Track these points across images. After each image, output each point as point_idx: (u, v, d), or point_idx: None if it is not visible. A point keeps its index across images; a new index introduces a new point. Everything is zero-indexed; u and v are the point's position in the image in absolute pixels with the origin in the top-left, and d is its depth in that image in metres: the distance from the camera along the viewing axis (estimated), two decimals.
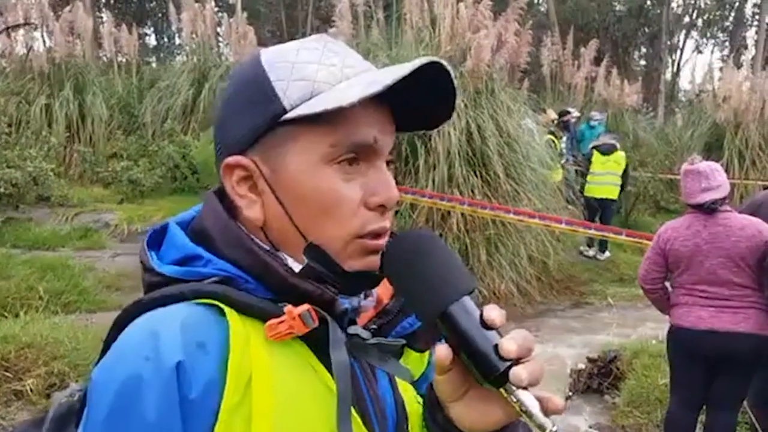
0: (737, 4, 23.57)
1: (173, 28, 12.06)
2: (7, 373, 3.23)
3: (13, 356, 3.29)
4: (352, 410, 0.63)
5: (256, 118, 0.65)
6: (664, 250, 2.92)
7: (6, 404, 3.14)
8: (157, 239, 0.68)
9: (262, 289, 0.64)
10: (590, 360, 4.47)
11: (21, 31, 8.83)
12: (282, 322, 0.61)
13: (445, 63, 0.63)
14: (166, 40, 20.92)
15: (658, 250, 2.94)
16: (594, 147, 7.94)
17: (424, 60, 0.62)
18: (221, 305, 0.61)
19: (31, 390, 3.17)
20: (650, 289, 2.99)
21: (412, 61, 0.62)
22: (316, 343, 0.63)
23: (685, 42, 23.71)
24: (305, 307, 0.62)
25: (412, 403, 0.72)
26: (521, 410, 0.56)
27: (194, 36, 9.43)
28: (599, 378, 4.34)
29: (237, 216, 0.67)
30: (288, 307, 0.62)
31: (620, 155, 7.79)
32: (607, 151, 7.74)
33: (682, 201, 3.00)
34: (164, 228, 0.68)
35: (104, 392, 0.57)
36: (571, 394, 4.29)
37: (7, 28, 8.53)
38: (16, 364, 3.26)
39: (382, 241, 0.66)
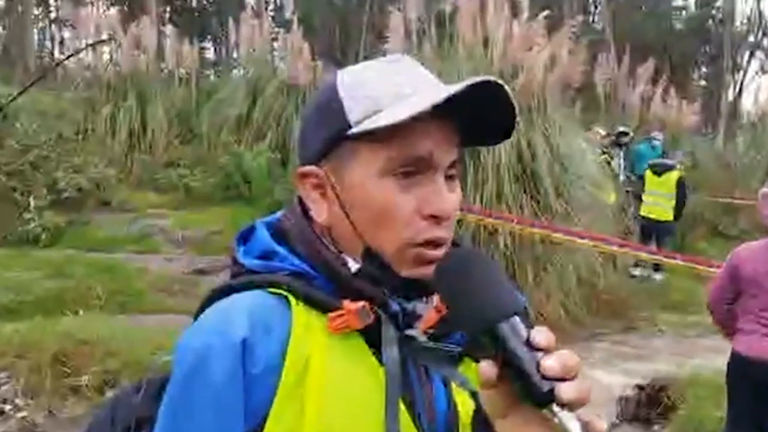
0: None
1: (231, 42, 12.45)
2: (65, 369, 3.37)
3: (70, 352, 3.43)
4: (402, 408, 0.67)
5: (326, 133, 0.72)
6: (736, 271, 2.80)
7: (63, 398, 3.28)
8: (246, 236, 0.77)
9: (328, 285, 0.71)
10: (639, 387, 4.32)
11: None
12: (341, 315, 0.68)
13: (500, 81, 0.67)
14: (224, 54, 21.59)
15: (730, 270, 2.81)
16: (649, 166, 7.78)
17: (476, 79, 0.66)
18: (288, 295, 0.69)
19: (87, 386, 3.30)
20: (717, 310, 2.88)
21: (466, 80, 0.65)
22: (373, 339, 0.69)
23: (749, 62, 22.85)
24: (361, 303, 0.68)
25: (467, 412, 0.73)
26: (563, 431, 0.56)
27: (251, 51, 9.71)
28: (648, 407, 4.19)
29: (311, 220, 0.74)
30: (346, 303, 0.68)
31: (672, 176, 7.58)
32: (660, 171, 7.59)
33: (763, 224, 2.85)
34: (254, 227, 0.77)
35: (183, 357, 0.67)
36: (618, 422, 4.15)
37: (93, 44, 9.03)
38: (73, 360, 3.40)
39: (439, 252, 0.69)
